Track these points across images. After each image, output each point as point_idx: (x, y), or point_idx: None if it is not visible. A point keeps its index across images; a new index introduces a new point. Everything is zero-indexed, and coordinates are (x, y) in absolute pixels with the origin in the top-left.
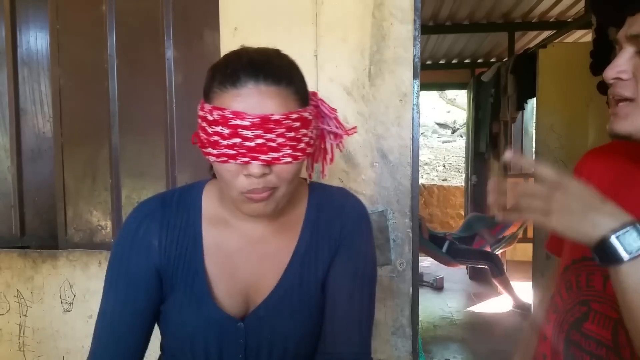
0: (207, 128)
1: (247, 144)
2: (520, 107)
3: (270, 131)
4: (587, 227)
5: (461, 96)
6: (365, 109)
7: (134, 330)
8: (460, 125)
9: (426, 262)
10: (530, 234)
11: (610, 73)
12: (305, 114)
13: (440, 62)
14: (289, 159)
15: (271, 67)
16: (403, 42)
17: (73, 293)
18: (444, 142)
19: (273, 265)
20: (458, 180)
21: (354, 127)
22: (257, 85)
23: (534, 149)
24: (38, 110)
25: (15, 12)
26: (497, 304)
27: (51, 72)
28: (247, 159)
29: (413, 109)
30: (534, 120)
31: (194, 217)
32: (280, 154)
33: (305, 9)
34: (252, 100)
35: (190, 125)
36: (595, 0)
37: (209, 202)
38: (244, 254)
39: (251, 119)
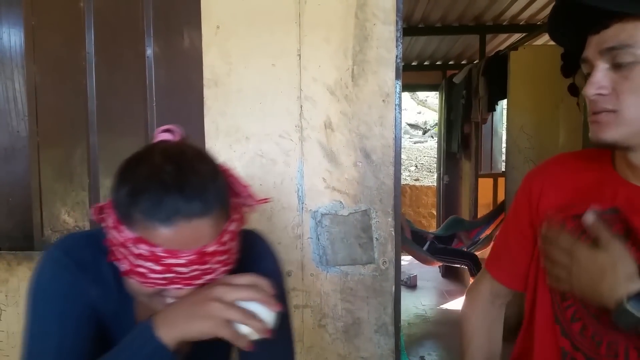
0: (130, 258)
1: (181, 275)
2: (492, 108)
3: (205, 262)
4: (604, 291)
5: (432, 97)
6: (348, 109)
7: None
8: (431, 126)
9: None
10: None
11: (591, 91)
12: (232, 227)
13: (413, 63)
14: (223, 273)
15: (204, 194)
16: (385, 42)
17: None
18: (415, 142)
19: None
20: (430, 180)
21: (267, 199)
22: (190, 222)
23: (503, 149)
24: (12, 108)
25: None
26: None
27: (26, 70)
28: (180, 287)
29: (395, 109)
30: (504, 121)
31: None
32: (214, 274)
33: (288, 8)
34: (186, 237)
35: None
36: (555, 27)
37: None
38: None
39: (187, 256)
